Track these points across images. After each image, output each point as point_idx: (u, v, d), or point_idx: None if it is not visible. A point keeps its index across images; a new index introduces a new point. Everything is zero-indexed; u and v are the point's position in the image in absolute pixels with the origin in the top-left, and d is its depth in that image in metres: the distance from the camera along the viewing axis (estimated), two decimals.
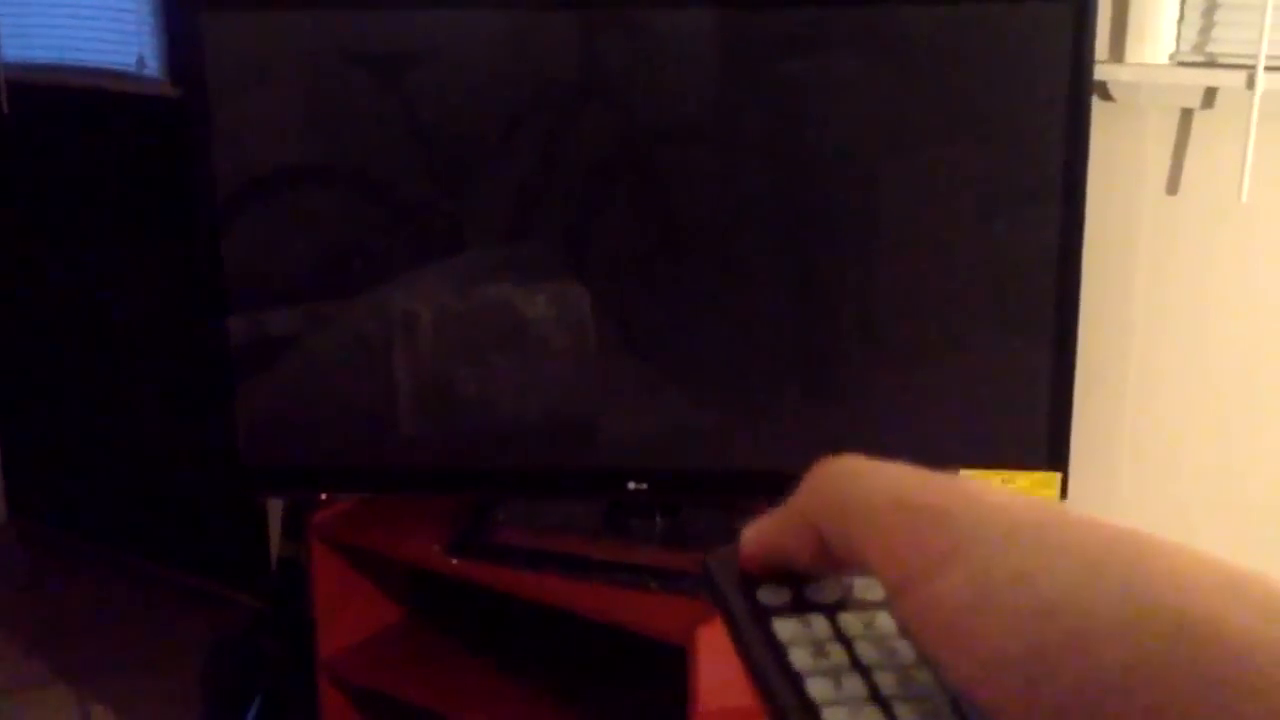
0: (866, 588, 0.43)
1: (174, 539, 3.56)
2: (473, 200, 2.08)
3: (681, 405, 2.13)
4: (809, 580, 0.44)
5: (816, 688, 0.40)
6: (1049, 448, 2.00)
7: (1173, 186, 2.00)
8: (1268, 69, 1.87)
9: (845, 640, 0.42)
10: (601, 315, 2.07)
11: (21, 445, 3.88)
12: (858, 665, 0.41)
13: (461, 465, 2.17)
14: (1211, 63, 1.95)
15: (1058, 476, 2.01)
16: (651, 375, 2.13)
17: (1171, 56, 1.98)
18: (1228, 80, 1.92)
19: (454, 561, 2.12)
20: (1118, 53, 1.99)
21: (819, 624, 0.42)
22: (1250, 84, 1.88)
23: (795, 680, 0.40)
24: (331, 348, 2.15)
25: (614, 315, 2.09)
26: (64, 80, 3.33)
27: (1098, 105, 1.94)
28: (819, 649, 0.41)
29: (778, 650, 0.41)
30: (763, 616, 0.43)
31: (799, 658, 0.41)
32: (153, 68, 3.15)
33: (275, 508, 3.03)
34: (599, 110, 2.04)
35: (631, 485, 2.10)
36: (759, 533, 0.44)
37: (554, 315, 2.08)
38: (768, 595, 0.43)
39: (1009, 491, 0.40)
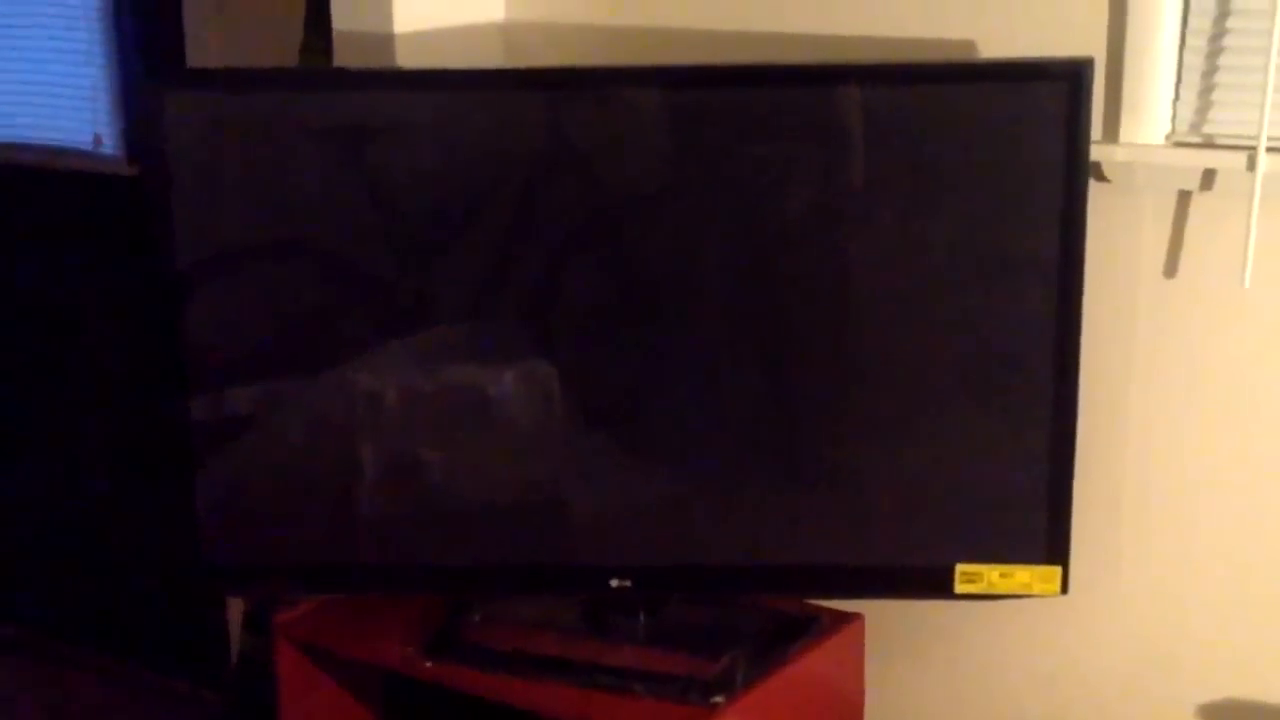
0: None
1: (133, 633, 3.48)
2: (437, 277, 2.04)
3: (661, 495, 2.06)
4: None
5: None
6: (1048, 541, 1.95)
7: (1170, 270, 1.95)
8: (1270, 150, 1.82)
9: None
10: (570, 394, 2.02)
11: None
12: None
13: (433, 562, 2.10)
14: (1210, 143, 1.90)
15: (1058, 570, 1.95)
16: (625, 459, 2.06)
17: (1168, 137, 1.93)
18: (1227, 161, 1.86)
19: (429, 665, 2.05)
20: (1112, 132, 1.94)
21: None
22: (1251, 166, 1.83)
23: None
24: (295, 433, 2.09)
25: (583, 394, 2.04)
26: (17, 158, 3.29)
27: (1092, 186, 1.89)
28: None
29: None
30: None
31: None
32: (110, 146, 3.10)
33: (237, 599, 2.95)
34: (564, 188, 2.00)
35: (614, 583, 2.03)
36: None
37: (521, 394, 2.03)
38: None
39: None
